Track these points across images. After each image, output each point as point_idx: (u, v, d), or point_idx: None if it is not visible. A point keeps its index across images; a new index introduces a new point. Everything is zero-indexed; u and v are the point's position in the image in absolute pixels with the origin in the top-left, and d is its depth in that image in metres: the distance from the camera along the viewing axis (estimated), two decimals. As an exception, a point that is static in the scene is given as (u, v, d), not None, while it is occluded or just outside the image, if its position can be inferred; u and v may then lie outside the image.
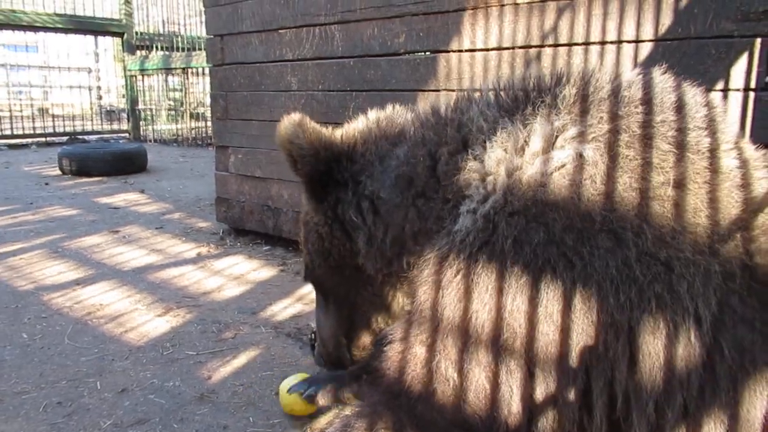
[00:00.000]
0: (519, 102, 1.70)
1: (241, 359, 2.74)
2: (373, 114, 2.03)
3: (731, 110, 2.48)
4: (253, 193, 4.65)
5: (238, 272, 4.01)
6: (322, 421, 2.25)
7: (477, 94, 1.86)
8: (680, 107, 1.56)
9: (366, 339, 2.20)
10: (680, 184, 1.45)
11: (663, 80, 1.64)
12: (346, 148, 1.93)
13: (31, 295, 3.53)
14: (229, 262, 4.25)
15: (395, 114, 2.00)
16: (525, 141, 1.60)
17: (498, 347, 1.48)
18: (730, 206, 1.45)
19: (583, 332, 1.42)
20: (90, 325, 3.11)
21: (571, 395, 1.46)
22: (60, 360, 2.73)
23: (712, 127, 1.55)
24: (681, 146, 1.50)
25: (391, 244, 1.84)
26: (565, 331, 1.43)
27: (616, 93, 1.58)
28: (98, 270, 4.03)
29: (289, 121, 1.89)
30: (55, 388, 2.48)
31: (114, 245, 4.64)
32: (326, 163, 1.90)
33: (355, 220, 1.89)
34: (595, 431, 1.49)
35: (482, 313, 1.49)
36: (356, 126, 2.01)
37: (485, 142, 1.66)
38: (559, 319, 1.43)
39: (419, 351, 1.60)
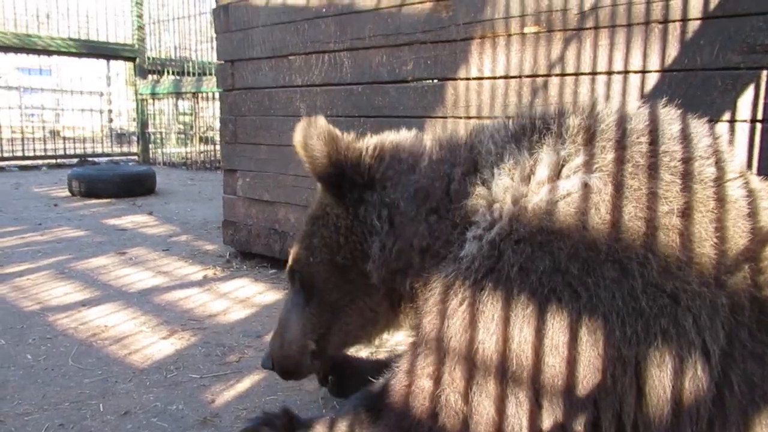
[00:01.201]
0: (526, 130, 1.72)
1: (245, 383, 2.72)
2: (399, 132, 2.06)
3: (738, 142, 2.48)
4: (261, 217, 4.67)
5: (243, 295, 4.01)
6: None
7: (489, 121, 1.90)
8: (684, 138, 1.57)
9: (337, 348, 2.17)
10: (685, 214, 1.45)
11: (666, 111, 1.65)
12: (368, 153, 1.93)
13: (36, 316, 3.54)
14: (234, 285, 4.25)
15: (417, 135, 2.04)
16: (531, 169, 1.61)
17: (506, 378, 1.47)
18: (737, 236, 1.45)
19: (590, 364, 1.42)
20: (94, 347, 3.10)
21: (580, 428, 1.45)
22: (63, 381, 2.72)
23: (716, 157, 1.55)
24: (685, 176, 1.50)
25: (396, 256, 1.84)
26: (571, 363, 1.43)
27: (620, 124, 1.59)
28: (104, 291, 4.03)
29: (309, 121, 1.92)
30: (57, 410, 2.47)
31: (120, 267, 4.65)
32: (340, 167, 1.90)
33: (376, 224, 1.89)
34: None
35: (489, 344, 1.49)
36: (387, 137, 2.03)
37: (493, 167, 1.68)
38: (566, 351, 1.43)
39: (426, 384, 1.59)
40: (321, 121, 1.92)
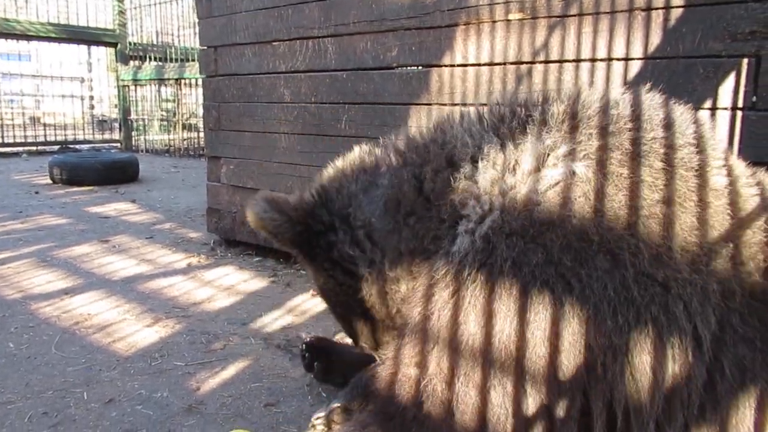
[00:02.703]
0: (505, 119, 1.71)
1: (230, 370, 2.72)
2: (342, 158, 2.07)
3: (719, 129, 2.51)
4: (245, 204, 4.64)
5: (228, 283, 3.99)
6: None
7: (457, 115, 1.88)
8: (669, 124, 1.58)
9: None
10: (674, 202, 1.46)
11: (650, 97, 1.66)
12: (318, 197, 1.95)
13: (18, 304, 3.50)
14: (219, 272, 4.24)
15: (364, 152, 2.03)
16: (516, 160, 1.60)
17: (494, 369, 1.47)
18: (726, 223, 1.47)
19: (580, 354, 1.43)
20: (78, 335, 3.08)
21: (570, 416, 1.46)
22: (47, 370, 2.70)
23: (701, 144, 1.57)
24: (673, 163, 1.51)
25: (389, 266, 1.82)
26: (562, 353, 1.44)
27: (605, 110, 1.60)
28: (87, 279, 4.00)
29: (254, 200, 1.96)
30: (41, 399, 2.45)
31: (103, 255, 4.61)
32: (302, 222, 1.92)
33: (353, 254, 1.88)
34: None
35: (479, 335, 1.49)
36: (326, 173, 2.05)
37: (474, 160, 1.67)
38: (556, 342, 1.44)
39: (413, 372, 1.59)
40: (262, 194, 1.99)
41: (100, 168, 7.96)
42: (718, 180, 1.51)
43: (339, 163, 2.03)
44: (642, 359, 1.42)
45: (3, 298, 3.61)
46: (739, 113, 2.49)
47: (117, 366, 2.75)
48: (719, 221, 1.46)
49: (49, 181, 8.12)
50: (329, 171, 2.03)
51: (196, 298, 3.69)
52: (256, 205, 1.91)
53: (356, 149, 2.06)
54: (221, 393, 2.52)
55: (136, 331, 3.15)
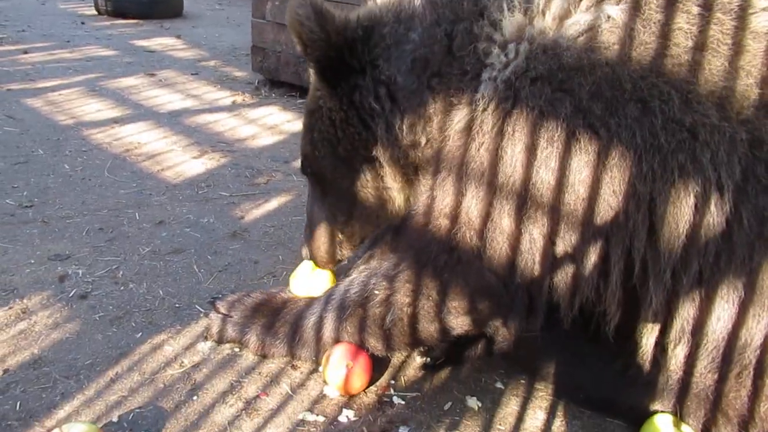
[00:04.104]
0: None
1: (273, 203, 2.83)
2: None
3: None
4: (290, 44, 4.54)
5: (272, 122, 4.02)
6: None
7: None
8: None
9: (365, 232, 2.11)
10: (709, 47, 1.37)
11: None
12: (362, 33, 1.77)
13: (71, 130, 3.62)
14: (263, 112, 4.25)
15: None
16: (546, 3, 1.50)
17: (521, 214, 1.48)
18: (764, 70, 1.37)
19: (604, 202, 1.42)
20: (128, 162, 3.20)
21: (590, 260, 1.49)
22: (100, 191, 2.85)
23: None
24: (710, 7, 1.40)
25: (408, 131, 1.75)
26: (585, 200, 1.44)
27: None
28: (135, 110, 4.08)
29: (300, 1, 1.73)
30: (96, 216, 2.61)
31: (150, 88, 4.65)
32: (338, 49, 1.75)
33: (375, 107, 1.77)
34: (610, 297, 1.53)
35: (507, 182, 1.48)
36: (370, 10, 1.83)
37: (503, 5, 1.56)
38: (581, 189, 1.43)
39: (443, 222, 1.60)
40: None
41: (145, 1, 7.80)
42: (760, 22, 1.39)
43: (378, 3, 1.88)
44: (666, 208, 1.41)
45: (57, 123, 3.72)
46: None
47: (166, 192, 2.87)
48: (756, 66, 1.37)
49: (95, 12, 8.02)
50: (372, 7, 1.88)
51: (241, 135, 3.75)
52: (301, 7, 1.72)
53: None
54: (264, 223, 2.63)
55: (183, 162, 3.25)
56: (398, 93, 1.73)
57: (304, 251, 2.17)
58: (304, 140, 2.00)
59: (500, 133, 1.49)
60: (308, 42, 1.73)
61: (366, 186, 1.93)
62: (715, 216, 1.39)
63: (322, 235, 2.09)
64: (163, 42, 6.47)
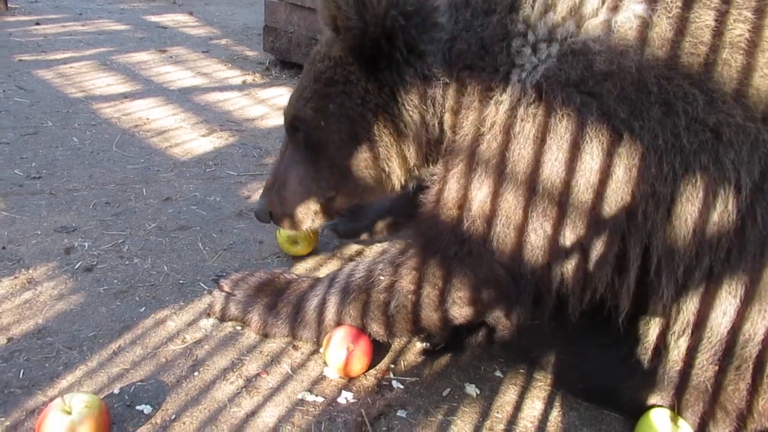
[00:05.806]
0: None
1: (280, 184, 2.82)
2: None
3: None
4: (302, 24, 4.52)
5: (281, 103, 4.01)
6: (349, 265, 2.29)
7: None
8: None
9: (340, 209, 2.04)
10: (737, 46, 1.36)
11: None
12: (404, 21, 1.65)
13: (80, 103, 3.62)
14: (273, 92, 4.25)
15: None
16: (579, 3, 1.48)
17: (542, 202, 1.48)
18: None
19: (621, 201, 1.42)
20: (137, 137, 3.21)
21: (607, 257, 1.49)
22: (108, 165, 2.85)
23: None
24: (739, 5, 1.38)
25: (437, 123, 1.72)
26: (604, 200, 1.43)
27: None
28: (145, 86, 4.08)
29: None
30: (104, 190, 2.62)
31: (161, 64, 4.65)
32: (374, 40, 1.65)
33: (414, 101, 1.70)
34: (624, 292, 1.54)
35: (523, 174, 1.48)
36: None
37: (534, 4, 1.54)
38: (602, 190, 1.43)
39: (455, 213, 1.60)
40: None
41: (157, -24, 7.76)
42: None
43: None
44: (683, 207, 1.41)
45: (67, 95, 3.73)
46: None
47: (173, 169, 2.88)
48: None
49: (108, -14, 8.01)
50: None
51: (250, 115, 3.74)
52: None
53: None
54: (270, 203, 2.63)
55: (191, 139, 3.25)
56: (432, 83, 1.68)
57: (262, 214, 2.05)
58: (306, 104, 1.84)
59: (525, 135, 1.48)
60: (343, 30, 1.64)
61: (368, 167, 1.85)
62: (731, 214, 1.39)
63: (297, 201, 1.98)
64: (175, 18, 6.45)
